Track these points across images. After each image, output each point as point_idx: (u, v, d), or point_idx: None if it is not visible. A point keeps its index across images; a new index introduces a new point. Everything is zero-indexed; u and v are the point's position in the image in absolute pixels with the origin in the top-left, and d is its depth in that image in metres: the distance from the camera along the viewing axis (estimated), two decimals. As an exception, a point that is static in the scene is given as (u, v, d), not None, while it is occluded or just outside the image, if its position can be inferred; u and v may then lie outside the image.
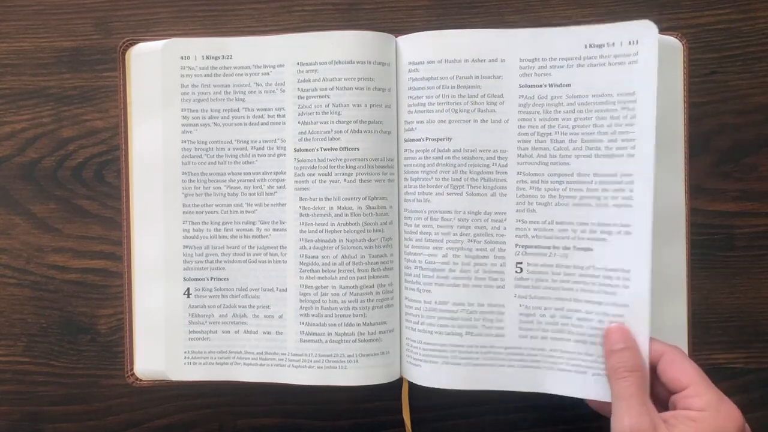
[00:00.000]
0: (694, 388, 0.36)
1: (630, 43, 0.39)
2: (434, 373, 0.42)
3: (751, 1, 0.48)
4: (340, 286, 0.42)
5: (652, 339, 0.38)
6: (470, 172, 0.41)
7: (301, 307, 0.42)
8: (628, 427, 0.35)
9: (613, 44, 0.39)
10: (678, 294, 0.43)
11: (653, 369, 0.38)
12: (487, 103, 0.41)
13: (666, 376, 0.37)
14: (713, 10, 0.48)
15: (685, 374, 0.37)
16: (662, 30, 0.44)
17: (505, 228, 0.41)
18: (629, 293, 0.39)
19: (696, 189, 0.47)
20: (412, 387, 0.43)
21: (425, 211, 0.41)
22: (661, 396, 0.38)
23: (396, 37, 0.42)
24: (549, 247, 0.41)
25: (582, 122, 0.40)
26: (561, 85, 0.40)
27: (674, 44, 0.43)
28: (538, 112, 0.41)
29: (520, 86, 0.41)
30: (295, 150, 0.42)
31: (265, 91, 0.42)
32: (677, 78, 0.43)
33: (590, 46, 0.40)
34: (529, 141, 0.41)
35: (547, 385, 0.41)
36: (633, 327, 0.38)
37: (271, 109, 0.42)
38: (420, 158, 0.41)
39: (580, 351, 0.40)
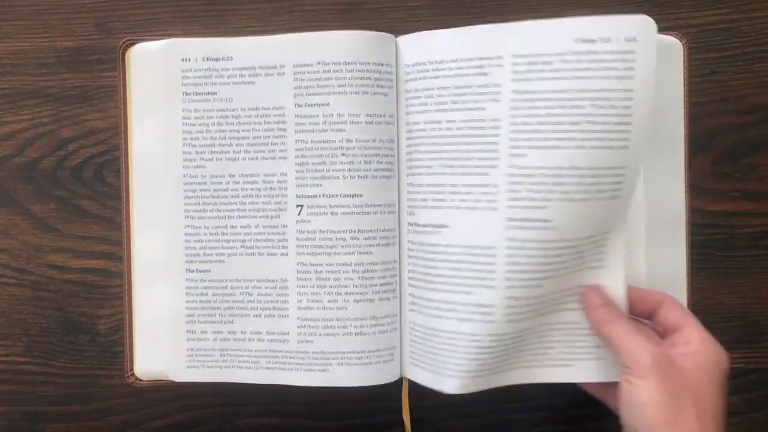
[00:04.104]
0: (692, 326, 0.39)
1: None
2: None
3: (751, 1, 0.48)
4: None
5: (649, 290, 0.41)
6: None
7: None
8: (650, 356, 0.36)
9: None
10: (678, 294, 0.43)
11: (649, 318, 0.41)
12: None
13: (667, 318, 0.39)
14: (713, 10, 0.48)
15: (684, 316, 0.39)
16: (662, 30, 0.44)
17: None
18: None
19: (696, 189, 0.47)
20: (412, 387, 0.43)
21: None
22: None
23: (396, 37, 0.42)
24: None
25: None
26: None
27: (674, 44, 0.43)
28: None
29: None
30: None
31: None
32: (677, 78, 0.43)
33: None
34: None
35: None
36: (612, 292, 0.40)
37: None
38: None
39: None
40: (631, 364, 0.37)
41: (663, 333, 0.40)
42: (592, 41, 0.37)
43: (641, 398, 0.36)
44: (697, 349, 0.37)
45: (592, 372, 0.41)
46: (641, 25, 0.36)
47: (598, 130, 0.37)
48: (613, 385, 0.40)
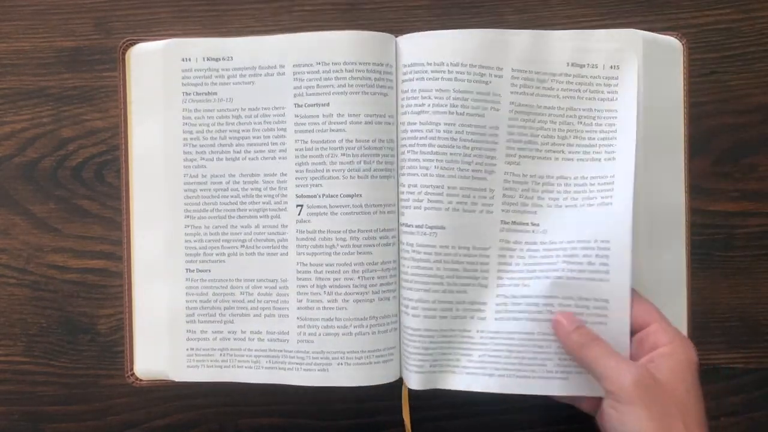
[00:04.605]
0: (657, 324, 0.38)
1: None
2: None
3: (751, 1, 0.48)
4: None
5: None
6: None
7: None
8: (631, 378, 0.36)
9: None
10: (678, 294, 0.43)
11: None
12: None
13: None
14: (713, 10, 0.48)
15: (647, 312, 0.39)
16: (662, 30, 0.44)
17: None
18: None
19: (696, 189, 0.47)
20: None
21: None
22: None
23: (396, 37, 0.42)
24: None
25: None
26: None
27: (674, 44, 0.43)
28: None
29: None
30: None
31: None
32: (677, 78, 0.43)
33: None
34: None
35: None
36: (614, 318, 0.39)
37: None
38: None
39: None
40: (614, 388, 0.36)
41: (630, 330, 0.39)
42: (581, 66, 0.41)
43: (630, 426, 0.36)
44: (668, 351, 0.37)
45: (588, 386, 0.40)
46: (626, 47, 0.41)
47: (584, 145, 0.41)
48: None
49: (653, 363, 0.37)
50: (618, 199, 0.40)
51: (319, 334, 0.42)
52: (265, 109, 0.42)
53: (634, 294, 0.39)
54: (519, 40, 0.41)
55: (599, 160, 0.41)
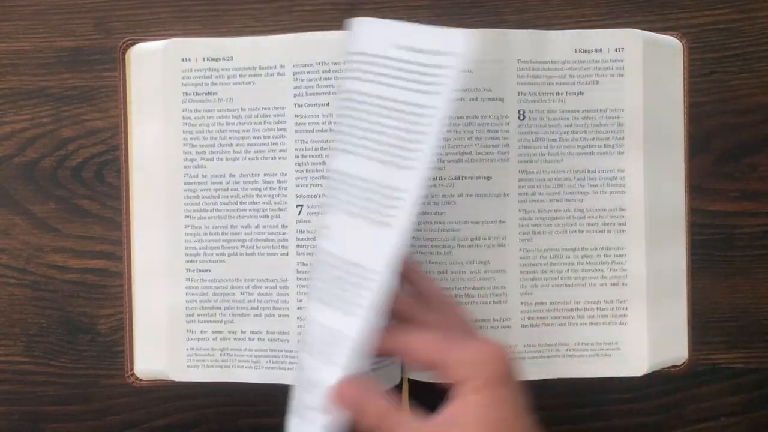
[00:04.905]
0: (450, 360, 0.31)
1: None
2: None
3: (751, 1, 0.48)
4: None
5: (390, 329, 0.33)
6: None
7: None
8: None
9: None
10: (678, 294, 0.44)
11: None
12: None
13: (419, 366, 0.32)
14: (713, 10, 0.48)
15: (436, 346, 0.32)
16: (662, 30, 0.44)
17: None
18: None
19: (696, 189, 0.47)
20: (413, 387, 0.43)
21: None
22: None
23: (396, 37, 0.42)
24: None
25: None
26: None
27: (674, 44, 0.43)
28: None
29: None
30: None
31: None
32: (677, 78, 0.43)
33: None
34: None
35: None
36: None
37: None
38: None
39: None
40: None
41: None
42: (415, 51, 0.34)
43: None
44: (471, 389, 0.30)
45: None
46: (462, 42, 0.32)
47: (390, 143, 0.32)
48: None
49: (457, 419, 0.30)
50: (398, 223, 0.31)
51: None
52: (265, 109, 0.42)
53: (412, 331, 0.33)
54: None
55: (397, 166, 0.32)
